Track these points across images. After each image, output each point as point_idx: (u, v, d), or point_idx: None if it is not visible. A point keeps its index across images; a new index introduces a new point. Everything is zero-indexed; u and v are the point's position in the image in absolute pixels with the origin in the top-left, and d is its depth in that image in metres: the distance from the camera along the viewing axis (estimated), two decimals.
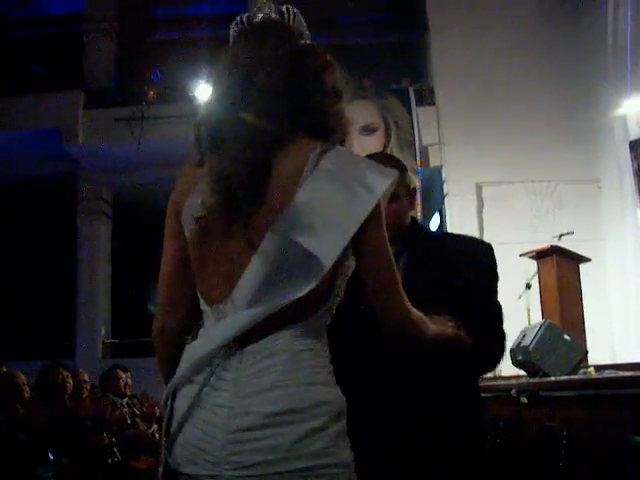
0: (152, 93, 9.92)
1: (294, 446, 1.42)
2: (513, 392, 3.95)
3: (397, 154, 8.46)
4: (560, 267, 6.34)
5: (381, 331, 1.65)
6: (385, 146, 8.65)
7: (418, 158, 8.62)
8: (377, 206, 1.48)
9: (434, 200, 9.68)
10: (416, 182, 8.26)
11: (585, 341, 5.84)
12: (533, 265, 6.65)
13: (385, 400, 2.05)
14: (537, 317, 6.20)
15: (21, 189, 10.47)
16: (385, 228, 1.52)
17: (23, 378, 4.60)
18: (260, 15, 1.67)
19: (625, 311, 8.28)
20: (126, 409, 6.07)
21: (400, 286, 1.54)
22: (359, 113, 8.40)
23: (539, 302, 6.52)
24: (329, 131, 1.57)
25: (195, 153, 1.61)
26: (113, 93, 10.18)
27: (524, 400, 3.85)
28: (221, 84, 1.59)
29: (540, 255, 6.55)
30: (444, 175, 9.34)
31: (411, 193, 2.22)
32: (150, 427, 6.05)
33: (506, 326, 2.23)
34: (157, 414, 6.03)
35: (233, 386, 1.47)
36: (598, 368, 4.77)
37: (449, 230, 8.99)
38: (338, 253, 1.47)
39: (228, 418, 1.45)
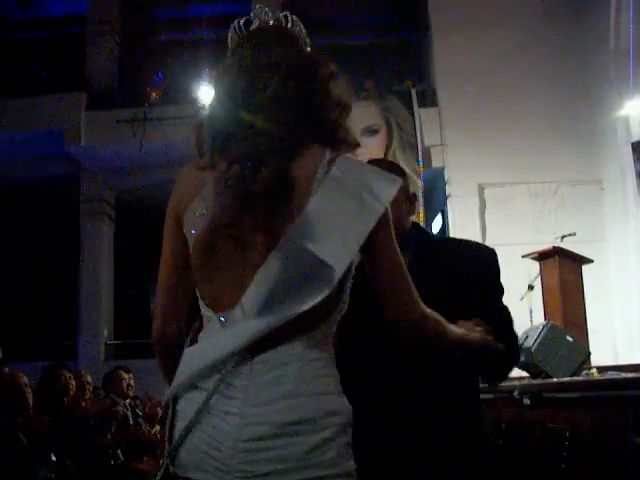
0: (154, 94, 9.93)
1: (305, 456, 1.42)
2: (516, 393, 3.95)
3: (399, 155, 8.47)
4: (562, 268, 6.33)
5: (379, 332, 1.66)
6: (387, 147, 8.64)
7: (420, 159, 8.61)
8: (385, 213, 1.51)
9: (436, 201, 9.69)
10: (418, 184, 8.26)
11: (587, 342, 5.83)
12: (535, 266, 6.64)
13: (385, 401, 2.05)
14: (539, 318, 6.19)
15: (23, 190, 10.48)
16: (394, 233, 1.54)
17: (25, 379, 4.59)
18: (257, 21, 1.66)
19: (628, 312, 8.28)
20: (129, 410, 6.07)
21: (413, 286, 1.57)
22: (361, 114, 8.38)
23: (541, 303, 6.51)
24: (338, 142, 1.57)
25: (196, 155, 1.60)
26: (115, 94, 10.18)
27: (527, 401, 3.85)
28: (227, 88, 1.57)
29: (542, 256, 6.54)
30: (446, 176, 9.34)
31: (410, 198, 2.23)
32: (152, 428, 6.05)
33: None
34: (159, 415, 6.03)
35: (244, 394, 1.47)
36: (601, 369, 4.77)
37: (451, 231, 9.01)
38: (349, 261, 1.49)
39: (239, 426, 1.45)
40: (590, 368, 4.70)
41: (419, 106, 8.99)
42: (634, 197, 8.07)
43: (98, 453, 5.01)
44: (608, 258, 8.47)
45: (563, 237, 7.01)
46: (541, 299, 6.52)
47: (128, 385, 6.34)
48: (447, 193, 9.32)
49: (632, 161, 7.99)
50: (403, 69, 10.06)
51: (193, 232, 1.54)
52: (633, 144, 8.01)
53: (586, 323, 6.19)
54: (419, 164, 8.57)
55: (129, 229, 10.75)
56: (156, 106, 9.67)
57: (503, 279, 2.24)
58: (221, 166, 1.51)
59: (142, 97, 9.85)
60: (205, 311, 1.58)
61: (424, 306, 1.59)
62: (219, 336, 1.53)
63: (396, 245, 1.55)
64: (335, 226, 1.47)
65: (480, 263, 2.22)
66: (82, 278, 10.27)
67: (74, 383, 5.42)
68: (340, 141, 1.57)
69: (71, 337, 10.21)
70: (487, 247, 2.33)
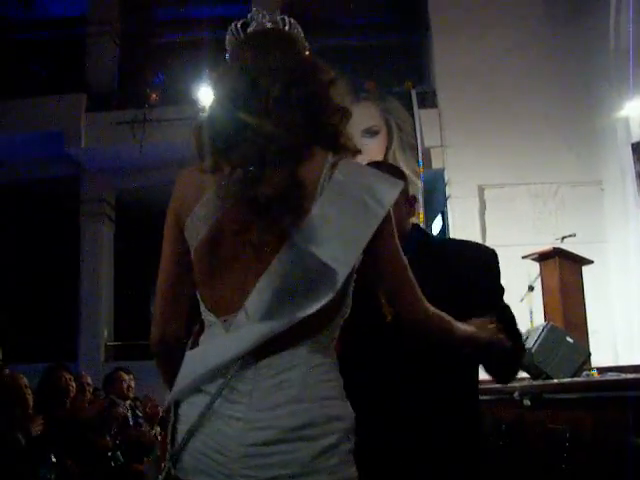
0: (154, 96, 9.93)
1: (310, 462, 1.43)
2: (516, 394, 3.94)
3: (399, 156, 8.47)
4: (563, 269, 6.33)
5: (378, 334, 1.66)
6: (387, 149, 8.64)
7: (420, 160, 8.61)
8: (387, 216, 1.52)
9: (436, 202, 9.69)
10: (419, 185, 8.26)
11: (588, 343, 5.83)
12: (535, 267, 6.64)
13: (385, 401, 2.05)
14: (540, 319, 6.19)
15: (24, 192, 10.48)
16: (397, 235, 1.56)
17: (25, 381, 4.59)
18: (254, 23, 1.66)
19: (628, 313, 8.28)
20: (129, 411, 6.07)
21: (417, 286, 1.59)
22: (361, 115, 8.37)
23: (542, 304, 6.50)
24: (340, 148, 1.57)
25: (196, 157, 1.59)
26: (115, 96, 10.19)
27: (527, 402, 3.84)
28: (228, 90, 1.56)
29: (542, 257, 6.54)
30: (446, 177, 9.34)
31: (410, 201, 2.24)
32: (152, 429, 6.04)
33: None
34: (160, 415, 6.03)
35: (248, 399, 1.47)
36: (601, 370, 4.76)
37: (451, 232, 9.01)
38: (352, 264, 1.50)
39: (243, 431, 1.45)
40: (590, 369, 4.70)
41: (419, 107, 9.00)
42: (634, 198, 8.07)
43: (98, 454, 5.01)
44: (608, 259, 8.47)
45: (563, 238, 7.01)
46: (541, 300, 6.52)
47: (128, 386, 6.34)
48: (447, 194, 9.32)
49: (632, 162, 7.99)
50: (403, 70, 10.06)
51: (197, 237, 1.53)
52: (633, 145, 8.02)
53: (586, 324, 6.19)
54: (419, 165, 8.57)
55: (129, 230, 10.74)
56: (156, 107, 9.68)
57: (503, 280, 2.25)
58: (223, 170, 1.51)
59: (142, 98, 9.85)
60: (206, 315, 1.57)
61: (429, 305, 1.60)
62: (222, 340, 1.52)
63: (399, 247, 1.57)
64: (338, 230, 1.48)
65: (480, 263, 2.22)
66: (82, 279, 10.28)
67: (74, 384, 5.42)
68: (341, 147, 1.57)
69: (71, 338, 10.20)
70: (487, 247, 2.33)
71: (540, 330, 4.60)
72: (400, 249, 1.57)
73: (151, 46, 11.17)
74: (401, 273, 1.57)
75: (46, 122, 9.69)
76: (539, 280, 6.56)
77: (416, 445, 2.05)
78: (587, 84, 8.97)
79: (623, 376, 4.08)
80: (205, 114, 1.59)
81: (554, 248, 6.49)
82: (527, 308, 6.41)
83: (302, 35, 1.68)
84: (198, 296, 1.59)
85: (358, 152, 1.61)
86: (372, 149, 8.18)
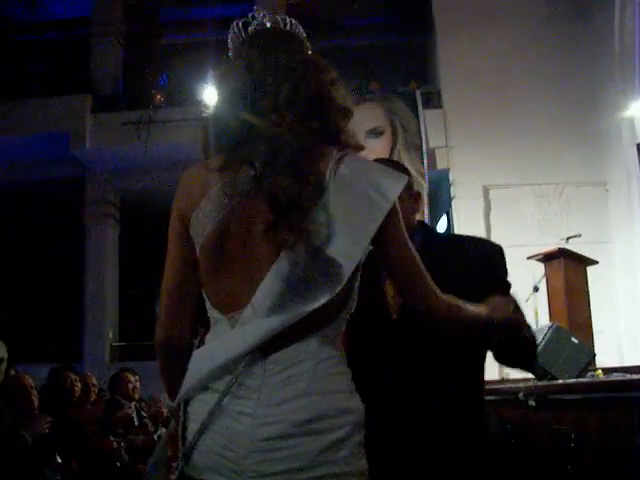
0: (159, 97, 9.95)
1: (320, 454, 1.43)
2: (521, 395, 3.94)
3: (404, 157, 8.45)
4: (568, 270, 6.32)
5: (379, 332, 1.66)
6: (392, 149, 8.62)
7: (425, 161, 8.60)
8: (393, 208, 1.52)
9: (441, 203, 9.68)
10: (423, 185, 8.25)
11: (593, 344, 5.82)
12: (540, 268, 6.63)
13: (385, 401, 2.05)
14: (545, 320, 6.17)
15: (28, 193, 10.50)
16: (403, 225, 1.57)
17: (31, 381, 4.60)
18: (255, 22, 1.66)
19: (633, 313, 8.26)
20: (134, 412, 6.08)
21: (427, 275, 1.60)
22: (365, 116, 8.37)
23: (547, 305, 6.49)
24: (342, 145, 1.58)
25: (201, 158, 1.60)
26: (120, 97, 10.21)
27: (532, 403, 3.84)
28: (234, 89, 1.56)
29: (547, 258, 6.53)
30: (451, 178, 9.33)
31: (414, 196, 2.24)
32: (157, 429, 6.04)
33: None
34: (165, 414, 6.03)
35: (257, 394, 1.47)
36: (606, 371, 4.76)
37: (456, 232, 8.98)
38: (359, 258, 1.50)
39: (253, 427, 1.45)
40: (595, 370, 4.70)
41: (424, 107, 8.99)
42: (639, 198, 8.05)
43: (103, 455, 5.01)
44: (613, 259, 8.45)
45: (568, 238, 7.00)
46: (546, 300, 6.51)
47: (134, 387, 6.34)
48: (452, 195, 9.31)
49: (637, 162, 7.97)
50: (408, 70, 10.07)
51: (203, 234, 1.53)
52: (638, 145, 7.99)
53: (591, 324, 6.18)
54: (424, 166, 8.56)
55: (134, 231, 10.75)
56: (161, 108, 9.69)
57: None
58: (231, 167, 1.51)
59: (147, 99, 9.88)
60: (212, 312, 1.57)
61: (441, 293, 1.62)
62: (229, 336, 1.52)
63: (407, 238, 1.58)
64: (344, 224, 1.48)
65: (487, 259, 2.23)
66: (87, 280, 10.30)
67: (79, 385, 5.43)
68: (344, 145, 1.58)
69: (76, 339, 10.22)
70: (494, 243, 2.33)
71: (545, 331, 4.59)
72: (409, 241, 1.58)
73: (156, 47, 11.19)
74: (411, 264, 1.58)
75: (51, 123, 9.70)
76: (544, 281, 6.55)
77: (416, 445, 2.05)
78: (592, 84, 8.95)
79: (628, 377, 4.08)
80: (211, 112, 1.60)
81: (559, 249, 6.48)
82: (532, 309, 6.40)
83: (304, 35, 1.69)
84: (203, 294, 1.59)
85: (361, 148, 1.62)
86: (377, 150, 8.16)
